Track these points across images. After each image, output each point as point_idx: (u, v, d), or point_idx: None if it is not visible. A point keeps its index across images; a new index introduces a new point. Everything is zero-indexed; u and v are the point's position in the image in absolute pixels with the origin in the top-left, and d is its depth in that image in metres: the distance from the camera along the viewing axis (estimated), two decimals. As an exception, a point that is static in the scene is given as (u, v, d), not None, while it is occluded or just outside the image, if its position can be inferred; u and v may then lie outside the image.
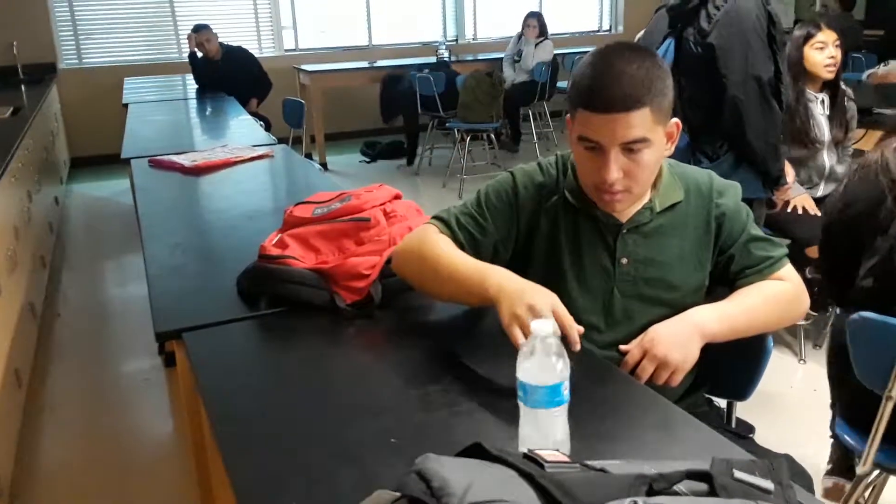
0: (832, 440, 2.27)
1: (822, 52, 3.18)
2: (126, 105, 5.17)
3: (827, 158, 3.31)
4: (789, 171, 3.04)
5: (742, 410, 1.75)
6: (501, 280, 1.34)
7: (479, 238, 1.51)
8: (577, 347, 1.25)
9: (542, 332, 1.06)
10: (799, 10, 9.03)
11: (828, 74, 3.19)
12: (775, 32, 2.50)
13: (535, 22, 7.04)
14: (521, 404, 1.08)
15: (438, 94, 6.49)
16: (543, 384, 1.05)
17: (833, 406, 2.15)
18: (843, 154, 3.39)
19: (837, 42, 3.20)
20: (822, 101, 3.28)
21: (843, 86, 3.33)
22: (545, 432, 1.06)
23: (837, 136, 3.30)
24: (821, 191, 3.30)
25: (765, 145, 2.54)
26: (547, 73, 6.91)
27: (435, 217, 1.56)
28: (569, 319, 1.27)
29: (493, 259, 1.52)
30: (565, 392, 1.06)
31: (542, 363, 1.05)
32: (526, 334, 1.21)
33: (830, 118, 3.28)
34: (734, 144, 2.53)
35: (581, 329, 1.28)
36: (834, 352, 2.02)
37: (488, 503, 0.75)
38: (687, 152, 2.56)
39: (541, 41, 7.01)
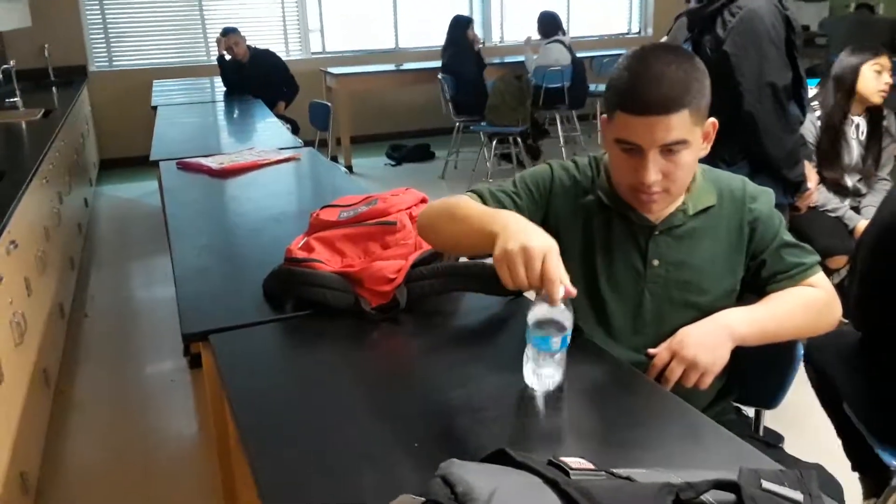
0: (857, 472, 2.19)
1: (880, 77, 3.14)
2: (155, 107, 5.22)
3: (849, 180, 3.27)
4: (811, 177, 3.01)
5: (772, 420, 1.72)
6: (508, 219, 1.28)
7: (512, 209, 1.48)
8: (557, 304, 1.17)
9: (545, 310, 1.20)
10: (834, 9, 8.92)
11: (878, 99, 3.16)
12: (795, 38, 2.47)
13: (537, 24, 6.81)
14: (529, 354, 1.27)
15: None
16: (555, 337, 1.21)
17: (844, 436, 2.08)
18: (873, 184, 3.34)
19: (891, 70, 3.17)
20: (858, 126, 3.24)
21: (885, 113, 3.28)
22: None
23: (865, 164, 3.25)
24: (841, 212, 3.26)
25: (781, 152, 2.51)
26: (560, 76, 6.47)
27: (470, 190, 1.54)
28: (555, 275, 1.17)
29: None
30: (565, 339, 1.23)
31: (546, 319, 1.20)
32: (514, 277, 1.17)
33: (866, 146, 3.24)
34: (750, 151, 2.51)
35: (571, 291, 1.19)
36: (856, 373, 1.95)
37: (513, 510, 0.75)
38: (706, 157, 2.55)
39: (550, 41, 6.64)
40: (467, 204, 1.44)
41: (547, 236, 1.22)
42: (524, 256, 1.17)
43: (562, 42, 6.70)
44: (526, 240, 1.18)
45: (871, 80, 3.14)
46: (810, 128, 3.22)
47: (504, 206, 1.48)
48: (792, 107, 2.51)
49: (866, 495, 2.19)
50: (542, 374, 1.26)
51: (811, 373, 2.07)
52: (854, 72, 3.15)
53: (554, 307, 1.17)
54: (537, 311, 1.21)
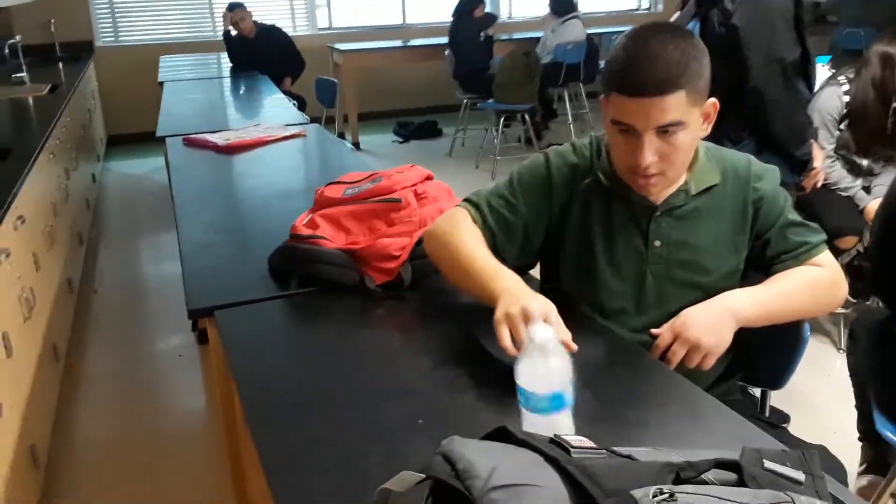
0: (862, 441, 2.23)
1: None
2: (161, 83, 5.21)
3: (864, 159, 3.23)
4: (818, 155, 2.98)
5: (778, 400, 1.72)
6: (508, 283, 1.33)
7: (510, 219, 1.50)
8: (574, 349, 1.16)
9: (538, 336, 1.05)
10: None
11: None
12: (802, 13, 2.45)
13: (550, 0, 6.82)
14: (521, 409, 1.07)
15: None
16: (543, 392, 1.04)
17: (860, 406, 2.11)
18: (888, 164, 3.30)
19: None
20: None
21: None
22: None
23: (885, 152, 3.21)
24: (852, 192, 3.23)
25: (788, 129, 2.48)
26: (575, 53, 6.61)
27: (466, 200, 1.55)
28: (561, 326, 1.21)
29: (525, 242, 1.51)
30: (567, 396, 1.05)
31: (540, 369, 1.04)
32: (514, 335, 1.20)
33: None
34: (756, 128, 2.48)
35: (572, 346, 1.17)
36: (876, 349, 1.97)
37: (513, 486, 0.75)
38: (711, 135, 2.53)
39: (568, 19, 6.72)
40: (469, 247, 1.45)
41: (545, 299, 1.26)
42: (524, 316, 1.21)
43: (578, 18, 6.76)
44: (525, 302, 1.23)
45: None
46: (836, 101, 3.17)
47: (501, 216, 1.50)
48: (799, 84, 2.48)
49: (864, 464, 2.22)
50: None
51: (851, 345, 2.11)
52: None
53: (556, 358, 1.05)
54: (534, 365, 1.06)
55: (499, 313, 1.25)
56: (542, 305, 1.24)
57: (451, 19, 6.80)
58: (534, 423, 1.05)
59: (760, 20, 2.39)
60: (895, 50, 3.08)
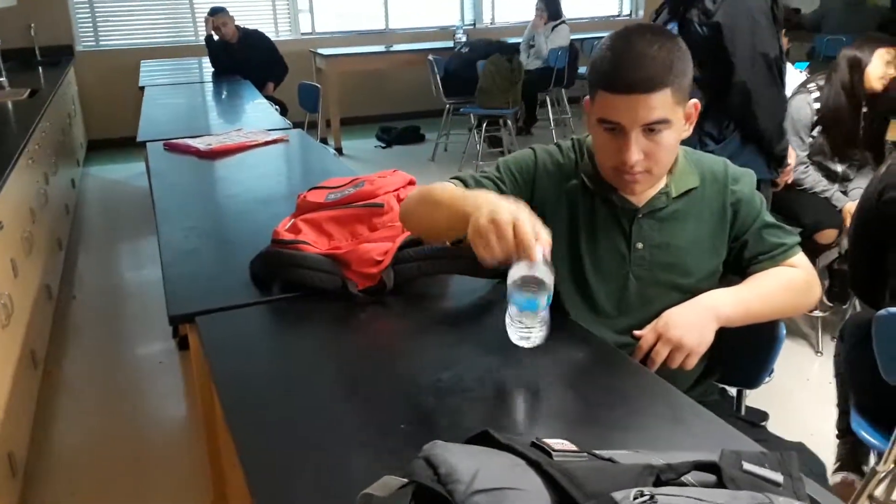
0: (838, 439, 2.27)
1: (888, 67, 3.13)
2: (142, 88, 5.18)
3: (839, 165, 3.28)
4: (791, 153, 3.02)
5: (757, 403, 1.74)
6: (479, 197, 1.28)
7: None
8: (534, 258, 1.16)
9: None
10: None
11: (878, 85, 3.14)
12: (777, 12, 2.48)
13: (543, 6, 6.91)
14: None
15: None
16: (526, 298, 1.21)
17: (841, 405, 2.13)
18: (862, 168, 3.34)
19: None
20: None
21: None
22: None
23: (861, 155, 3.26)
24: (829, 194, 3.27)
25: (773, 123, 2.52)
26: (564, 58, 6.77)
27: (453, 177, 1.54)
28: (527, 237, 1.16)
29: None
30: (549, 297, 1.21)
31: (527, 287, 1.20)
32: (489, 250, 1.17)
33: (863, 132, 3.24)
34: (742, 125, 2.51)
35: (546, 243, 1.19)
36: (854, 348, 2.00)
37: (495, 490, 0.75)
38: (692, 135, 2.56)
39: (557, 25, 6.88)
40: (443, 188, 1.43)
41: (516, 201, 1.22)
42: (495, 227, 1.17)
43: (566, 24, 6.92)
44: (494, 211, 1.18)
45: (880, 66, 3.14)
46: (806, 109, 3.22)
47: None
48: (779, 80, 2.52)
49: (839, 462, 2.25)
50: (530, 334, 1.27)
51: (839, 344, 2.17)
52: (867, 58, 3.14)
53: (533, 266, 1.17)
54: (517, 271, 1.20)
55: (470, 230, 1.20)
56: (510, 208, 1.19)
57: None
58: (526, 325, 1.26)
59: (743, 17, 2.43)
60: (863, 54, 3.13)
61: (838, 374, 2.23)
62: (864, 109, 3.20)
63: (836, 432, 2.26)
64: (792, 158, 3.05)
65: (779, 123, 2.55)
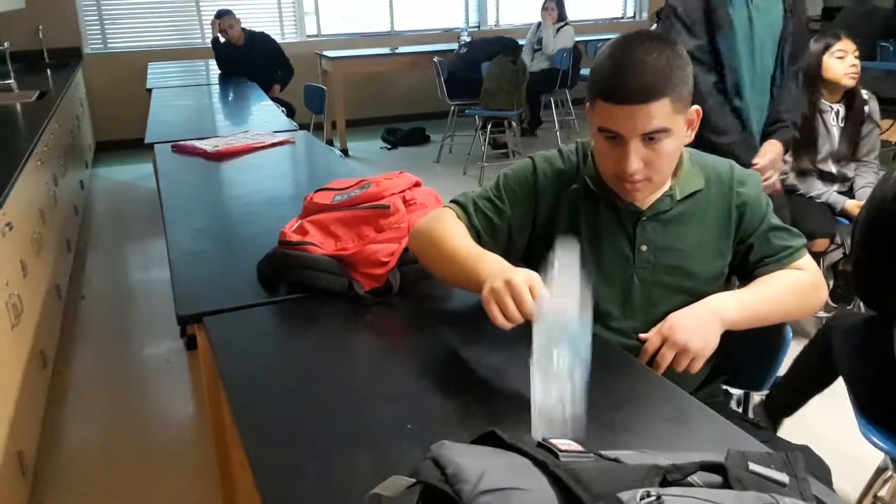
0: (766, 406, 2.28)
1: (843, 61, 3.13)
2: (150, 90, 5.20)
3: (833, 167, 3.27)
4: (766, 150, 3.00)
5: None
6: (491, 264, 1.34)
7: (495, 222, 1.51)
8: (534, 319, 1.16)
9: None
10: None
11: (849, 81, 3.14)
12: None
13: (554, 5, 6.93)
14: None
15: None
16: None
17: (791, 382, 2.13)
18: (861, 167, 3.34)
19: (857, 52, 3.16)
20: (838, 113, 3.24)
21: (864, 96, 3.27)
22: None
23: (842, 151, 3.25)
24: (825, 196, 3.27)
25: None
26: (568, 59, 6.79)
27: (453, 201, 1.56)
28: (546, 291, 1.19)
29: (509, 244, 1.53)
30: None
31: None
32: (505, 310, 1.21)
33: (843, 130, 3.24)
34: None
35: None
36: (854, 354, 1.98)
37: (502, 490, 0.76)
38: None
39: (561, 26, 6.91)
40: (453, 237, 1.46)
41: (527, 270, 1.26)
42: (510, 289, 1.21)
43: (570, 25, 6.97)
44: (510, 276, 1.23)
45: (836, 65, 3.14)
46: None
47: (487, 218, 1.52)
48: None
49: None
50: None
51: (814, 347, 2.13)
52: (816, 61, 3.14)
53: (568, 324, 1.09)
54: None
55: (485, 292, 1.26)
56: (526, 276, 1.24)
57: None
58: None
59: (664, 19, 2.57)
60: (807, 61, 3.04)
61: (804, 363, 2.21)
62: (837, 108, 3.21)
63: (766, 398, 2.25)
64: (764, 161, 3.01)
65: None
